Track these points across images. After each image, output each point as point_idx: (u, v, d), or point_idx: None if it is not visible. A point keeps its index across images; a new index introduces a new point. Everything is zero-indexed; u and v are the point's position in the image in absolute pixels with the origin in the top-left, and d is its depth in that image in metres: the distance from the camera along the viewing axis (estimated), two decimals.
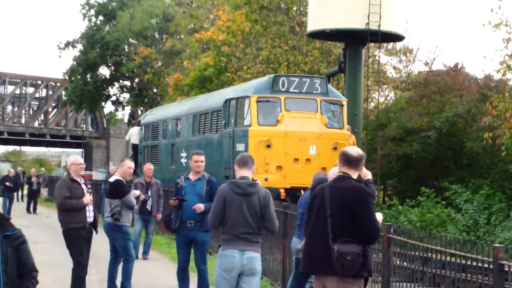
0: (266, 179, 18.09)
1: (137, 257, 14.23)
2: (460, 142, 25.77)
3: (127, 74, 52.30)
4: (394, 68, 34.11)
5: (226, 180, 11.68)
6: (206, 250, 10.95)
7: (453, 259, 7.79)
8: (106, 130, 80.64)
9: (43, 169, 45.71)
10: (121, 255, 11.33)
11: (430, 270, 8.55)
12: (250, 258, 7.61)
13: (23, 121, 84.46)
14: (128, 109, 58.16)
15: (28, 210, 32.25)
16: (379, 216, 6.57)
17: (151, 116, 28.24)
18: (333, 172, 8.18)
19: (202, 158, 10.43)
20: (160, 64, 49.33)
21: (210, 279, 10.12)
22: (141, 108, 52.93)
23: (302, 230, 7.88)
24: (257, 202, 7.62)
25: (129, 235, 11.30)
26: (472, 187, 23.66)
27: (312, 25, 25.60)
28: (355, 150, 6.57)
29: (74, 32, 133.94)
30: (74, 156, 11.13)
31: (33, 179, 33.14)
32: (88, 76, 53.83)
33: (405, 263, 8.68)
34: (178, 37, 47.86)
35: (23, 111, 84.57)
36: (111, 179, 11.52)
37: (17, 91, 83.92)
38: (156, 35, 52.09)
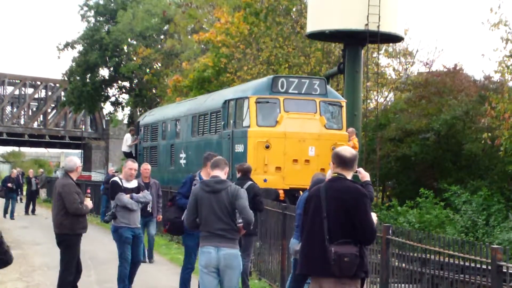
0: (265, 180, 18.10)
1: (144, 261, 14.26)
2: (459, 143, 25.77)
3: (126, 75, 52.26)
4: (394, 69, 34.10)
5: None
6: None
7: (451, 260, 7.79)
8: (105, 131, 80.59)
9: (41, 170, 45.67)
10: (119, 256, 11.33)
11: (428, 271, 8.55)
12: (226, 254, 8.04)
13: (22, 122, 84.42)
14: (127, 110, 58.13)
15: (26, 211, 32.20)
16: (374, 217, 6.55)
17: (150, 117, 28.24)
18: (332, 173, 8.18)
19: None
20: (159, 64, 49.30)
21: None
22: (140, 109, 52.88)
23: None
24: (225, 198, 8.05)
25: (125, 238, 11.20)
26: (470, 188, 23.66)
27: (312, 26, 25.61)
28: (348, 151, 6.57)
29: (73, 33, 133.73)
30: (75, 158, 10.85)
31: (32, 180, 33.10)
32: (87, 77, 53.78)
33: (403, 264, 8.68)
34: (178, 37, 47.83)
35: (22, 112, 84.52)
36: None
37: (16, 92, 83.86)
38: (155, 36, 52.02)
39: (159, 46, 50.15)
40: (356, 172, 6.58)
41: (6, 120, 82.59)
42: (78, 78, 53.86)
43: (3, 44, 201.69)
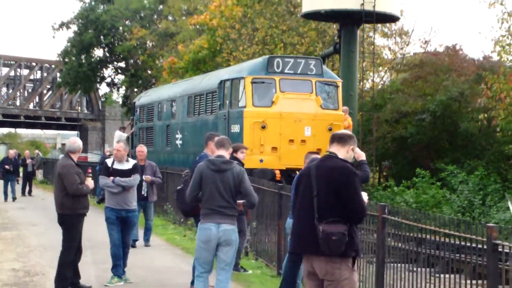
0: (261, 160, 18.09)
1: (134, 246, 14.31)
2: (455, 123, 25.77)
3: (121, 55, 52.04)
4: (389, 49, 34.00)
5: None
6: None
7: (447, 240, 7.79)
8: (101, 112, 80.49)
9: (36, 151, 45.57)
10: None
11: (425, 251, 8.55)
12: (225, 230, 8.26)
13: (18, 103, 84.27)
14: (122, 91, 57.99)
15: (23, 192, 32.17)
16: (364, 196, 6.54)
17: (146, 97, 28.18)
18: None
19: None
20: (153, 43, 49.08)
21: None
22: (136, 90, 52.75)
23: None
24: (231, 178, 8.27)
25: (106, 217, 11.14)
26: (467, 168, 23.69)
27: (307, 5, 25.51)
28: (343, 131, 6.76)
29: (68, 13, 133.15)
30: (78, 140, 10.71)
31: (28, 161, 33.04)
32: (83, 57, 53.58)
33: (400, 244, 8.67)
34: (172, 19, 47.60)
35: (18, 93, 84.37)
36: None
37: (12, 73, 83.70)
38: (150, 16, 51.76)
39: (154, 27, 49.92)
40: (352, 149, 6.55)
41: (2, 101, 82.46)
42: (73, 58, 53.68)
43: None
